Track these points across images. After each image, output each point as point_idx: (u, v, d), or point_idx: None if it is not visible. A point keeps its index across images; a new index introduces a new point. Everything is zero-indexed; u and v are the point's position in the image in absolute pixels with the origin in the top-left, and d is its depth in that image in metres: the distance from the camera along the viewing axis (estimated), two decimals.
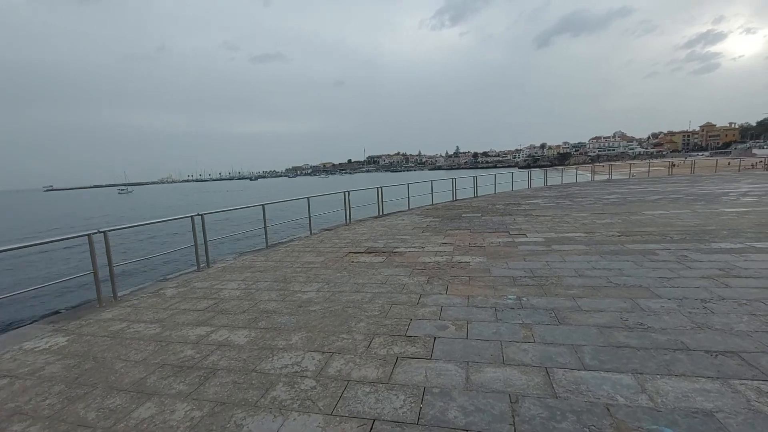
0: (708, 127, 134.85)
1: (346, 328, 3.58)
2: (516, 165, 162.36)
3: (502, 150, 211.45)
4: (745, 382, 2.35)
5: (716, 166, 26.51)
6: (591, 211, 10.08)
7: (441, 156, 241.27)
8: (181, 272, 6.32)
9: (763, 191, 12.52)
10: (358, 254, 6.66)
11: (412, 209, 13.37)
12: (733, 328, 3.07)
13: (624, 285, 4.22)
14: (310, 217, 9.34)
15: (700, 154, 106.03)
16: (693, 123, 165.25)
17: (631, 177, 23.40)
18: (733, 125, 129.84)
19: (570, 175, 23.29)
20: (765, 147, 76.63)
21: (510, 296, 4.11)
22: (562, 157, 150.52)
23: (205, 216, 6.44)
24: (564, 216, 9.43)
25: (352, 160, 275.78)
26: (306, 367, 2.91)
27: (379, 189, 12.36)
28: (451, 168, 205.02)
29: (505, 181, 19.33)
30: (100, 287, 4.77)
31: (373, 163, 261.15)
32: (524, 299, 3.98)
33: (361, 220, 11.42)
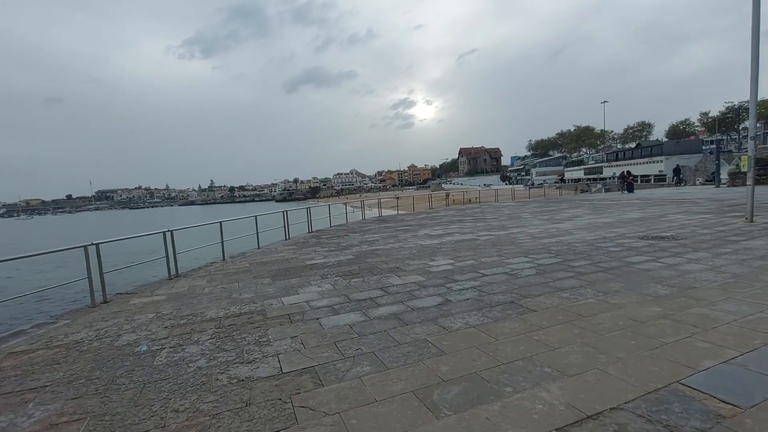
0: (413, 168, 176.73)
1: None
2: (273, 198, 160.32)
3: (259, 184, 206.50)
4: None
5: (427, 198, 28.21)
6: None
7: (194, 190, 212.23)
8: None
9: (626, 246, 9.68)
10: None
11: None
12: None
13: None
14: None
15: (411, 187, 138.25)
16: (403, 164, 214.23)
17: (398, 213, 20.34)
18: (427, 166, 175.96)
19: (338, 213, 17.75)
20: (448, 183, 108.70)
21: None
22: (314, 191, 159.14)
23: None
24: None
25: (74, 196, 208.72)
26: None
27: None
28: (206, 203, 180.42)
29: (246, 231, 11.13)
30: None
31: (105, 198, 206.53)
32: None
33: None
